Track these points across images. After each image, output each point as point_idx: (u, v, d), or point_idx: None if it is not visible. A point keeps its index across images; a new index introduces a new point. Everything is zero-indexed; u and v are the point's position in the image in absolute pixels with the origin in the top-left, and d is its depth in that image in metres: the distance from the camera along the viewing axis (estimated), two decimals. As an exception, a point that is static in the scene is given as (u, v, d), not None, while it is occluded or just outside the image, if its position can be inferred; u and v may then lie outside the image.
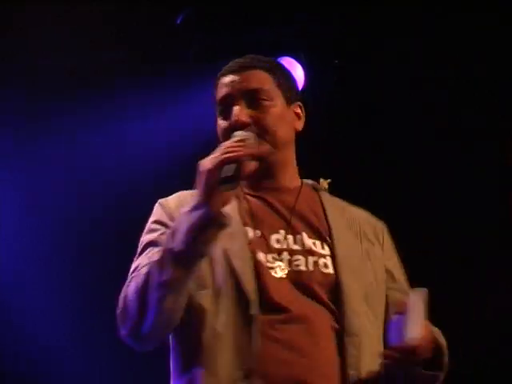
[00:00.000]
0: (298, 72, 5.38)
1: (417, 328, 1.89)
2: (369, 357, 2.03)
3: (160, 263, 1.89)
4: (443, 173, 5.55)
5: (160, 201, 2.23)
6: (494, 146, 5.58)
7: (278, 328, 2.00)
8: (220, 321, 1.97)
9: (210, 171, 1.84)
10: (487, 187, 5.50)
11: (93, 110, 5.30)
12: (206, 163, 1.88)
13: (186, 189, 2.19)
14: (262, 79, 2.22)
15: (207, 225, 1.83)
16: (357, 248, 2.22)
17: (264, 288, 2.01)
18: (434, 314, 2.06)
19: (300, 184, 2.30)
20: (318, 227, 2.19)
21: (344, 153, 5.54)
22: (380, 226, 2.35)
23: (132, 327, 1.98)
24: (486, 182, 5.50)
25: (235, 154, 1.88)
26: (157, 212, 2.20)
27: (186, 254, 1.85)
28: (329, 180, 2.36)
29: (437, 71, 5.57)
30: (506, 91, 5.49)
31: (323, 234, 2.18)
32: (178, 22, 5.19)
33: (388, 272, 2.25)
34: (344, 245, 2.18)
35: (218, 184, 1.84)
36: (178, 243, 1.85)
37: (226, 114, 2.17)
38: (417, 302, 1.94)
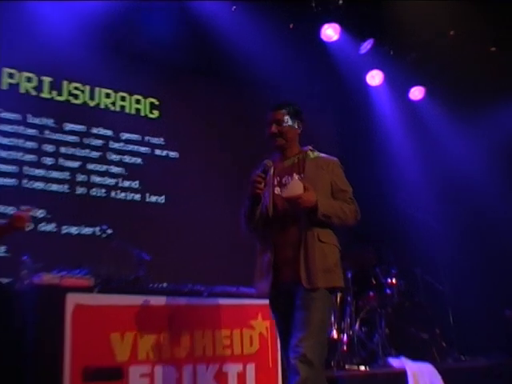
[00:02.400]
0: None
1: (297, 190, 4.08)
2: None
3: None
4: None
5: None
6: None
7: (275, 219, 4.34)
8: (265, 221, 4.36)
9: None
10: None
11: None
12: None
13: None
14: (282, 114, 4.53)
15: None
16: (315, 174, 4.39)
17: (274, 203, 4.36)
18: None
19: (298, 152, 4.54)
20: (300, 170, 4.41)
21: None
22: (332, 162, 4.52)
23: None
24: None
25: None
26: None
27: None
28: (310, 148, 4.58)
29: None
30: None
31: (301, 172, 4.41)
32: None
33: (333, 183, 4.42)
34: (310, 176, 4.35)
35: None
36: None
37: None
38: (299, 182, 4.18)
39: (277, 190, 4.40)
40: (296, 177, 4.35)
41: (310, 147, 4.61)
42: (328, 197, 4.40)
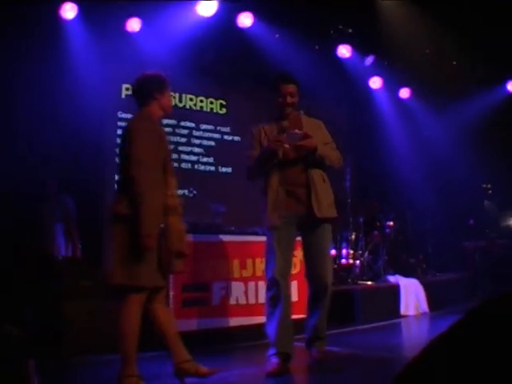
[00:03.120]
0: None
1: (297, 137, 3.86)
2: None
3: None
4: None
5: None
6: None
7: (286, 166, 3.95)
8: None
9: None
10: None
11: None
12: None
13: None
14: (294, 88, 4.06)
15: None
16: (312, 130, 4.00)
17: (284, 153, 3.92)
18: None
19: (297, 113, 4.12)
20: (299, 127, 4.00)
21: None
22: (320, 123, 4.20)
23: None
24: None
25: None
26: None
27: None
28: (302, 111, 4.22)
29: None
30: None
31: (300, 128, 3.99)
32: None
33: (323, 137, 4.09)
34: (307, 129, 4.00)
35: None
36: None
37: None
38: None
39: (285, 144, 3.88)
40: (297, 131, 3.91)
41: (302, 111, 4.24)
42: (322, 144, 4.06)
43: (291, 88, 4.05)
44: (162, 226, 3.31)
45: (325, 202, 3.96)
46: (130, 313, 3.17)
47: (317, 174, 3.99)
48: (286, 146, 3.88)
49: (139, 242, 3.12)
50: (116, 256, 3.18)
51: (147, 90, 3.53)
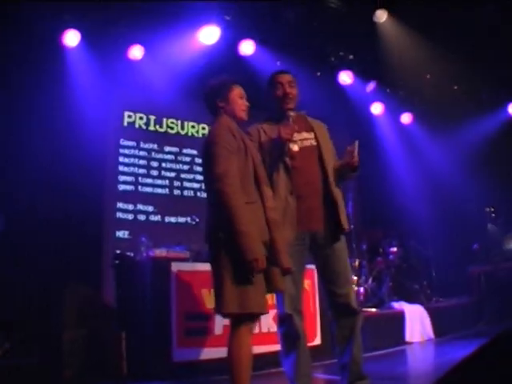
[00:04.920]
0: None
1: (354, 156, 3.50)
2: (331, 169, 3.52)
3: None
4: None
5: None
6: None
7: (297, 172, 3.40)
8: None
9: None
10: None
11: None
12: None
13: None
14: (292, 77, 3.65)
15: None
16: (324, 134, 3.67)
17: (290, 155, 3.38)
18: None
19: (301, 113, 3.64)
20: (307, 128, 3.60)
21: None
22: (325, 127, 3.73)
23: None
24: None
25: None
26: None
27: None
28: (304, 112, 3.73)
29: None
30: None
31: (310, 130, 3.60)
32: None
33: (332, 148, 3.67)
34: (319, 133, 3.62)
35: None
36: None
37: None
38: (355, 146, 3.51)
39: (294, 147, 3.40)
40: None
41: (305, 111, 3.74)
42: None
43: (289, 77, 3.62)
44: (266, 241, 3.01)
45: (343, 212, 3.48)
46: (243, 343, 2.94)
47: (331, 181, 3.49)
48: (295, 148, 3.41)
49: (247, 267, 2.84)
50: (224, 283, 2.90)
51: (210, 100, 3.27)
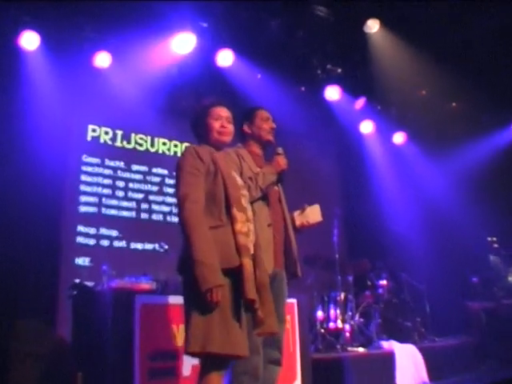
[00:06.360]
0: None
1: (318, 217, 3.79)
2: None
3: None
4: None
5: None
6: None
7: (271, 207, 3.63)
8: None
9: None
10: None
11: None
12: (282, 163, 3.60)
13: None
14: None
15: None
16: None
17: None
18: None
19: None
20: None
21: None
22: None
23: None
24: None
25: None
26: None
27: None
28: None
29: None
30: None
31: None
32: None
33: None
34: None
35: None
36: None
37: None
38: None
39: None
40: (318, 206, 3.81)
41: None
42: None
43: (268, 113, 3.89)
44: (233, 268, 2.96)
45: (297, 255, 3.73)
46: None
47: (289, 217, 3.77)
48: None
49: (201, 299, 2.80)
50: (190, 318, 2.88)
51: (192, 128, 3.46)
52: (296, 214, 3.91)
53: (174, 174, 3.20)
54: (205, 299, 2.78)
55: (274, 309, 3.16)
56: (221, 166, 3.16)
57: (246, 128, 3.74)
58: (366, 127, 9.79)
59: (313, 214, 3.85)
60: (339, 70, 8.65)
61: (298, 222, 3.85)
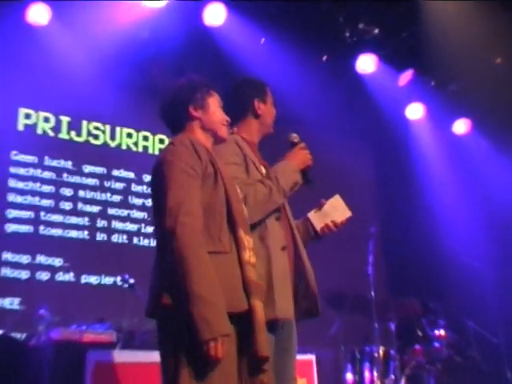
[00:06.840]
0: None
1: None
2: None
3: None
4: None
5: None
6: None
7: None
8: None
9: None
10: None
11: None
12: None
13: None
14: None
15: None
16: None
17: None
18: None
19: None
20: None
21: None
22: None
23: None
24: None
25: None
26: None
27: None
28: None
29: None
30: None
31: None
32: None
33: None
34: None
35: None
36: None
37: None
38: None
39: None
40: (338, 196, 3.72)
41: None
42: None
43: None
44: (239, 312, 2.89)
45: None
46: None
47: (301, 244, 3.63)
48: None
49: (202, 350, 2.70)
50: (176, 379, 2.76)
51: (177, 108, 3.32)
52: (312, 214, 3.77)
53: (153, 174, 3.07)
54: (205, 352, 2.68)
55: (281, 369, 3.19)
56: (220, 169, 3.11)
57: (257, 105, 3.66)
58: (415, 111, 9.81)
59: (336, 209, 3.73)
60: (376, 31, 8.60)
61: (319, 225, 3.74)
